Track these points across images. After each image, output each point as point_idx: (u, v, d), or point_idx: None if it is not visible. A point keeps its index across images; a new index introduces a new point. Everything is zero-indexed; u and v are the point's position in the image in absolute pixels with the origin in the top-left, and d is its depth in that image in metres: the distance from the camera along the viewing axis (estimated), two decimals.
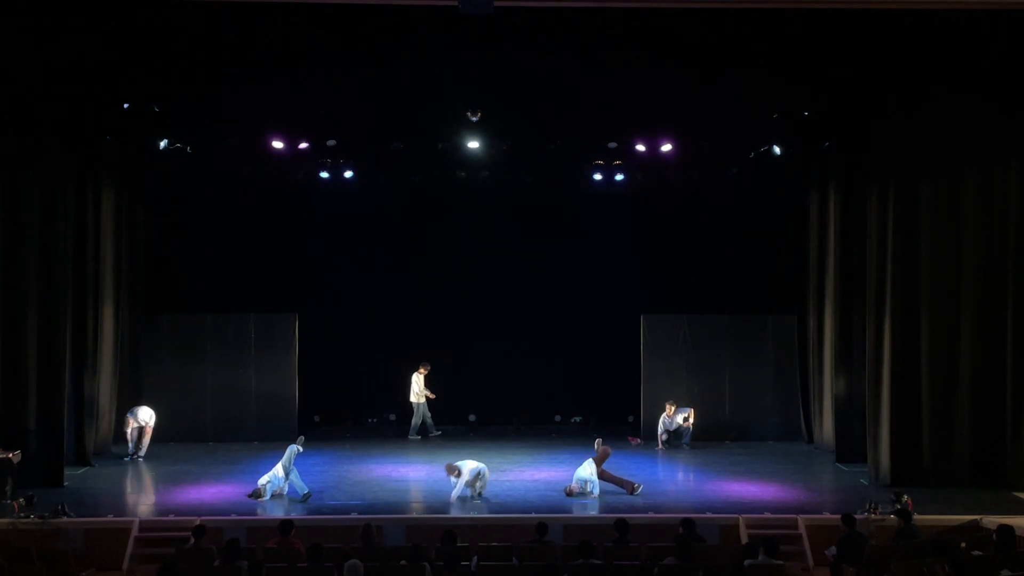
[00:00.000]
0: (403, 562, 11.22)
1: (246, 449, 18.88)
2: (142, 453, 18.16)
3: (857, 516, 13.15)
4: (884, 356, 16.10)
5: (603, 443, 16.14)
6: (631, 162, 19.94)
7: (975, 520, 13.73)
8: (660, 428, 19.53)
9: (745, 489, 15.97)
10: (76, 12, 14.66)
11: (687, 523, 12.44)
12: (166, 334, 20.31)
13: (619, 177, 20.51)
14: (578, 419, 21.81)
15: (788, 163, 19.66)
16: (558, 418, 21.80)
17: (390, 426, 21.39)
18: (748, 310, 20.82)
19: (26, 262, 15.85)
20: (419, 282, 21.41)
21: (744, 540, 13.09)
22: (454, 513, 14.43)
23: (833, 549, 12.44)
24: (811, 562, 13.15)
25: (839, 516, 12.96)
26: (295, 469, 15.19)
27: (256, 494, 15.04)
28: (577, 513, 14.58)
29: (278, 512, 14.37)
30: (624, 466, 16.84)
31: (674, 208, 20.75)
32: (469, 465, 15.02)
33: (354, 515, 14.04)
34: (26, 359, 15.86)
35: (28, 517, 13.67)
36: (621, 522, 12.31)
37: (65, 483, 15.80)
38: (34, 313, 15.85)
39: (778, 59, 15.52)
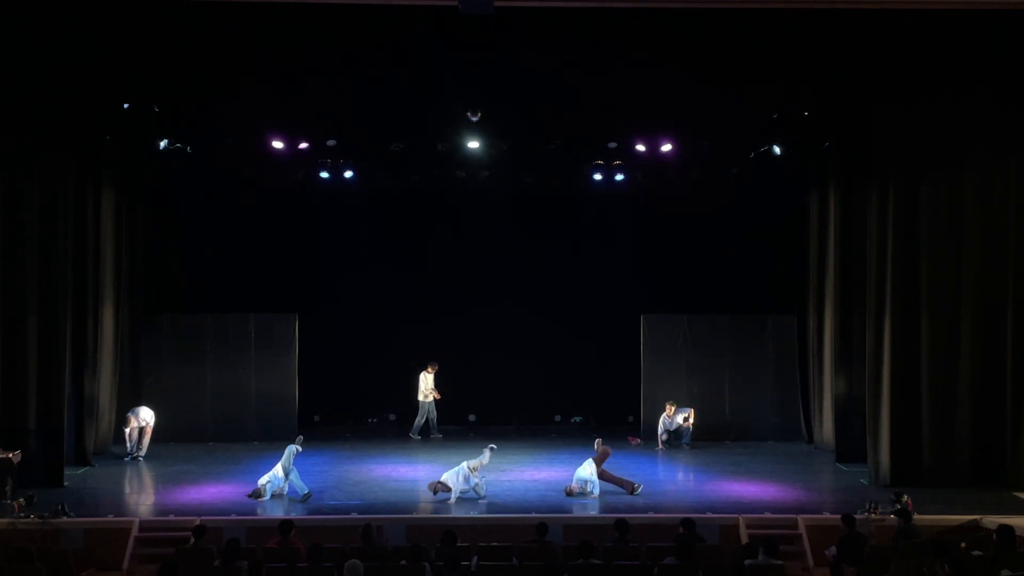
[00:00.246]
0: (403, 562, 11.22)
1: (246, 449, 18.89)
2: (142, 453, 18.16)
3: (857, 516, 13.15)
4: (884, 356, 16.10)
5: (603, 443, 16.14)
6: (631, 162, 19.94)
7: (975, 520, 13.73)
8: (660, 428, 19.53)
9: (745, 489, 15.97)
10: (76, 12, 14.67)
11: (687, 523, 12.44)
12: (166, 334, 20.31)
13: (619, 177, 20.52)
14: (578, 419, 21.81)
15: (788, 163, 19.66)
16: (558, 418, 21.81)
17: (390, 426, 21.40)
18: (748, 310, 20.82)
19: (26, 262, 15.85)
20: (419, 282, 21.41)
21: (744, 540, 13.09)
22: (454, 513, 14.43)
23: (833, 549, 12.44)
24: (811, 562, 13.15)
25: (839, 516, 12.96)
26: (295, 469, 15.19)
27: (256, 494, 15.04)
28: (577, 513, 14.57)
29: (278, 512, 14.38)
30: (624, 466, 16.85)
31: (674, 208, 20.73)
32: (451, 477, 14.98)
33: (354, 515, 14.04)
34: (26, 359, 15.85)
35: (28, 517, 13.67)
36: (621, 522, 12.31)
37: (65, 483, 15.80)
38: (34, 313, 15.85)
39: (778, 59, 15.52)
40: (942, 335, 15.90)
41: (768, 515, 14.13)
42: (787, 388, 20.61)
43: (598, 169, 20.29)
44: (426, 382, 20.46)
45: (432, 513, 14.50)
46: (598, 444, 16.13)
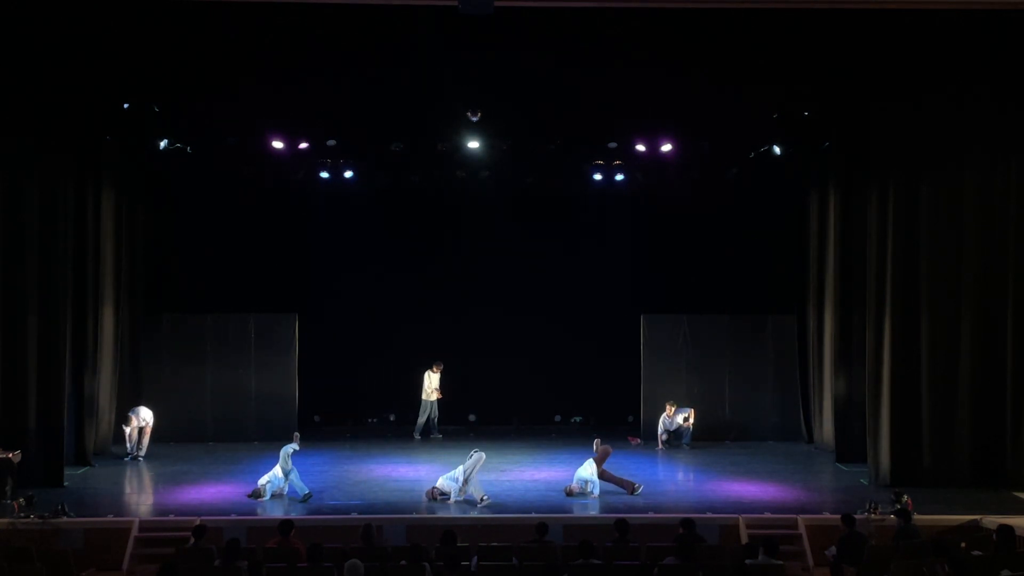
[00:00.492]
0: (403, 562, 11.22)
1: (246, 449, 18.88)
2: (142, 453, 18.16)
3: (857, 516, 13.15)
4: (884, 356, 16.09)
5: (602, 443, 16.13)
6: (631, 162, 19.94)
7: (975, 520, 13.73)
8: (660, 428, 19.53)
9: (745, 489, 15.97)
10: (76, 12, 14.66)
11: (687, 523, 12.44)
12: (166, 334, 20.31)
13: (619, 177, 20.52)
14: (578, 419, 21.81)
15: (788, 163, 19.66)
16: (558, 418, 21.80)
17: (390, 426, 21.39)
18: (748, 310, 20.82)
19: (26, 262, 15.85)
20: (419, 282, 21.41)
21: (744, 540, 13.09)
22: (454, 513, 14.42)
23: (833, 549, 12.44)
24: (811, 562, 13.15)
25: (839, 516, 12.96)
26: (295, 469, 15.18)
27: (256, 494, 15.04)
28: (577, 513, 14.57)
29: (278, 512, 14.37)
30: (624, 466, 16.84)
31: (674, 208, 20.73)
32: (448, 484, 14.94)
33: (354, 515, 14.04)
34: (26, 359, 15.85)
35: (28, 517, 13.67)
36: (621, 522, 12.31)
37: (65, 483, 15.80)
38: (34, 313, 15.84)
39: (778, 59, 15.52)
40: (942, 335, 15.90)
41: (768, 515, 14.13)
42: (787, 388, 20.61)
43: (598, 169, 20.29)
44: (430, 381, 20.47)
45: (432, 513, 14.49)
46: (597, 444, 16.13)
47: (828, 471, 17.61)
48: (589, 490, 15.33)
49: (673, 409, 19.45)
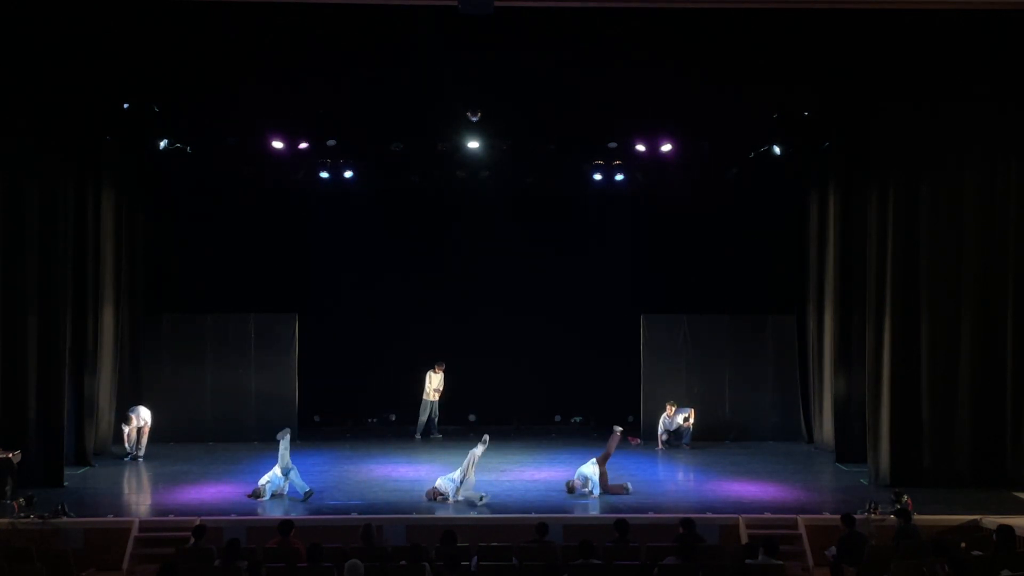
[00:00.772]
0: (403, 562, 11.22)
1: (246, 449, 18.86)
2: (141, 453, 18.15)
3: (857, 516, 13.14)
4: (884, 356, 16.09)
5: (620, 435, 15.99)
6: (631, 162, 19.94)
7: (975, 520, 13.73)
8: (660, 428, 19.53)
9: (745, 489, 15.96)
10: (76, 12, 14.66)
11: (687, 523, 12.44)
12: (166, 334, 20.31)
13: (619, 177, 20.53)
14: (578, 419, 21.81)
15: (788, 163, 19.66)
16: (558, 418, 21.80)
17: (390, 426, 21.40)
18: (748, 310, 20.82)
19: (26, 262, 15.84)
20: (419, 282, 21.42)
21: (744, 540, 13.08)
22: (454, 513, 14.42)
23: (833, 549, 12.44)
24: (811, 562, 13.14)
25: (839, 516, 12.95)
26: (295, 468, 15.18)
27: (256, 494, 15.04)
28: (577, 513, 14.57)
29: (278, 512, 14.37)
30: (624, 466, 16.85)
31: (674, 208, 20.73)
32: (446, 484, 14.94)
33: (354, 515, 14.03)
34: (26, 359, 15.84)
35: (28, 517, 13.66)
36: (621, 522, 12.30)
37: (65, 483, 15.79)
38: (34, 313, 15.83)
39: (778, 59, 15.51)
40: (942, 335, 15.90)
41: (768, 515, 14.12)
42: (787, 388, 20.61)
43: (598, 169, 20.30)
44: (431, 381, 20.47)
45: (432, 513, 14.49)
46: (617, 432, 15.99)
47: (828, 471, 17.61)
48: (589, 488, 15.33)
49: (674, 409, 19.45)
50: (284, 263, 21.08)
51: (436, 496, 14.95)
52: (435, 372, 20.49)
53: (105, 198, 18.20)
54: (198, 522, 12.88)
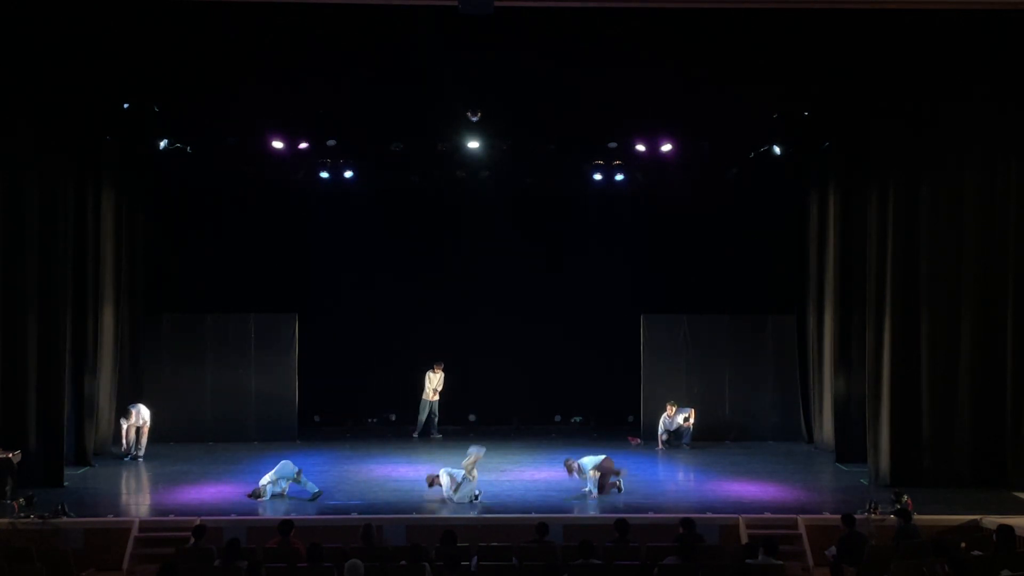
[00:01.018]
0: (403, 562, 11.22)
1: (246, 449, 18.89)
2: (141, 453, 18.15)
3: (857, 516, 13.14)
4: (884, 356, 16.09)
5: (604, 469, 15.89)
6: (631, 162, 19.94)
7: (975, 520, 13.73)
8: (660, 428, 19.52)
9: (745, 489, 15.96)
10: (76, 12, 14.65)
11: (687, 523, 12.44)
12: (166, 334, 20.31)
13: (619, 177, 20.52)
14: (578, 419, 21.80)
15: (788, 163, 19.66)
16: (558, 418, 21.80)
17: (390, 426, 21.40)
18: (748, 310, 20.82)
19: (26, 262, 15.84)
20: (419, 282, 21.42)
21: (744, 540, 13.08)
22: (454, 513, 14.42)
23: (833, 549, 12.44)
24: (811, 562, 13.14)
25: (839, 516, 12.95)
26: (299, 468, 15.22)
27: (256, 494, 15.04)
28: (577, 513, 14.57)
29: (278, 512, 14.36)
30: (624, 466, 16.73)
31: (674, 208, 20.73)
32: (446, 479, 14.97)
33: (354, 515, 14.04)
34: (26, 359, 15.84)
35: (28, 517, 13.66)
36: (621, 522, 12.30)
37: (65, 483, 15.78)
38: (34, 313, 15.83)
39: (778, 59, 15.50)
40: (942, 335, 15.89)
41: (768, 515, 14.12)
42: (787, 388, 20.61)
43: (598, 169, 20.29)
44: (430, 381, 20.47)
45: (432, 513, 14.49)
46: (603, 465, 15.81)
47: (828, 471, 17.61)
48: (585, 483, 15.33)
49: (674, 409, 19.44)
50: (284, 263, 21.07)
51: (434, 481, 14.94)
52: (434, 372, 20.50)
53: (105, 198, 18.21)
54: (198, 522, 12.88)
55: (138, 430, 18.19)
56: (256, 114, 17.48)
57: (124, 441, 18.08)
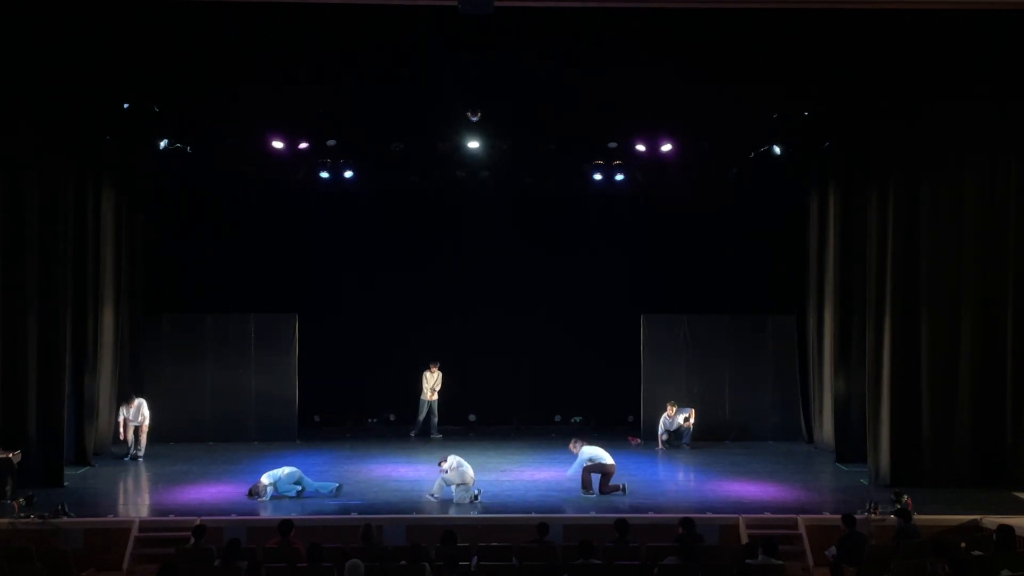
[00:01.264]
0: (403, 562, 11.22)
1: (246, 449, 18.90)
2: (140, 453, 18.15)
3: (857, 516, 13.14)
4: (884, 356, 16.09)
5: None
6: (631, 162, 19.93)
7: (975, 520, 13.74)
8: (660, 428, 19.53)
9: (745, 489, 15.97)
10: (76, 12, 14.65)
11: (687, 523, 12.44)
12: (166, 334, 20.32)
13: (619, 177, 20.52)
14: (578, 419, 21.80)
15: (788, 163, 19.66)
16: (558, 418, 21.80)
17: (390, 426, 21.40)
18: (748, 310, 20.83)
19: (26, 262, 15.85)
20: (419, 282, 21.42)
21: (744, 540, 13.09)
22: (454, 513, 14.43)
23: (833, 549, 12.44)
24: (811, 562, 13.15)
25: (839, 516, 12.96)
26: (305, 477, 15.25)
27: (255, 492, 15.03)
28: (577, 513, 14.57)
29: (278, 512, 14.36)
30: (624, 466, 16.80)
31: (674, 208, 20.74)
32: (440, 485, 15.06)
33: (354, 515, 14.04)
34: (26, 359, 15.84)
35: (28, 517, 13.67)
36: (621, 522, 12.30)
37: (65, 483, 15.79)
38: (34, 313, 15.84)
39: (778, 59, 15.49)
40: (942, 335, 15.90)
41: (768, 515, 14.13)
42: (787, 388, 20.61)
43: (598, 169, 20.29)
44: (427, 381, 20.47)
45: (432, 513, 14.49)
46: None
47: (828, 471, 17.62)
48: (576, 464, 15.51)
49: (674, 409, 19.45)
50: (284, 263, 21.08)
51: (442, 463, 15.06)
52: (430, 372, 20.51)
53: (105, 198, 18.21)
54: (198, 522, 12.89)
55: (137, 429, 18.18)
56: (256, 114, 17.48)
57: (121, 431, 18.05)
